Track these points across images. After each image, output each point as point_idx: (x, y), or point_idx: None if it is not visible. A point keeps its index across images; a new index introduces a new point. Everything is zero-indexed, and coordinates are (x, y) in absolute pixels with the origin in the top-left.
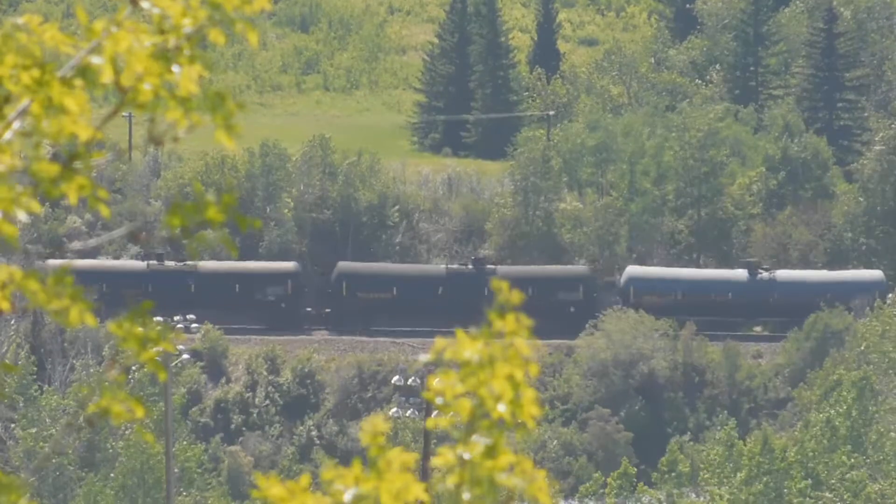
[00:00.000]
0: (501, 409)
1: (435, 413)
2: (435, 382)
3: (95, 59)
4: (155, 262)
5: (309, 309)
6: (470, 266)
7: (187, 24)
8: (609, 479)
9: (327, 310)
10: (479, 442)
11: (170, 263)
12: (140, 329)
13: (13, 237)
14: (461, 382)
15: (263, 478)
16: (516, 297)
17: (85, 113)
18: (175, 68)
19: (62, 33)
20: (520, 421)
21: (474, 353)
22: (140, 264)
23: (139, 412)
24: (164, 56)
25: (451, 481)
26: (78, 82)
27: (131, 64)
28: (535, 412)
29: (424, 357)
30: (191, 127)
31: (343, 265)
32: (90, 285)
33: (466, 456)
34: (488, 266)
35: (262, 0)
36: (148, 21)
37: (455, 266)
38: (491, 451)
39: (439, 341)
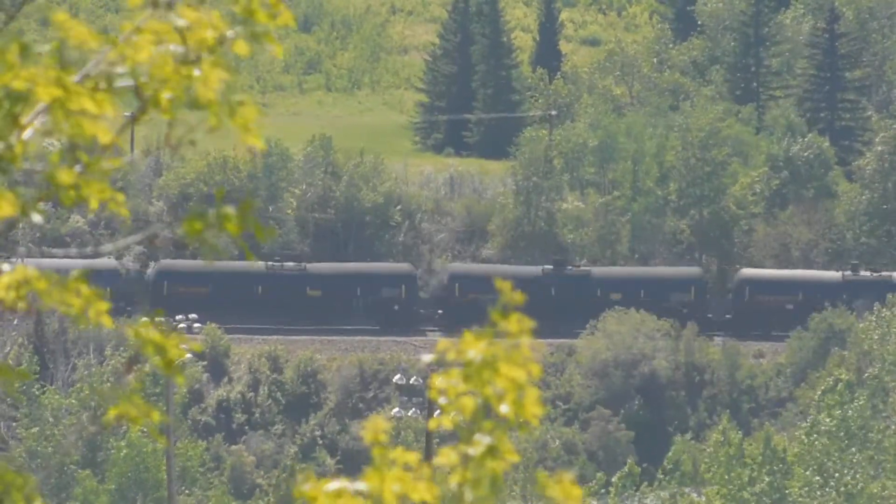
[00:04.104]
0: (504, 409)
1: (437, 413)
2: (438, 381)
3: (119, 69)
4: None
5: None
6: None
7: (210, 37)
8: (614, 479)
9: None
10: (482, 441)
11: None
12: (157, 335)
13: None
14: (464, 382)
15: (308, 477)
16: (519, 297)
17: (108, 115)
18: (196, 72)
19: (90, 31)
20: (522, 420)
21: (477, 352)
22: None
23: (155, 417)
24: (187, 63)
25: (453, 480)
26: (101, 84)
27: (153, 72)
28: (538, 411)
29: (428, 357)
30: (209, 131)
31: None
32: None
33: (472, 452)
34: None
35: (287, 15)
36: (173, 29)
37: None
38: (493, 451)
39: (442, 342)
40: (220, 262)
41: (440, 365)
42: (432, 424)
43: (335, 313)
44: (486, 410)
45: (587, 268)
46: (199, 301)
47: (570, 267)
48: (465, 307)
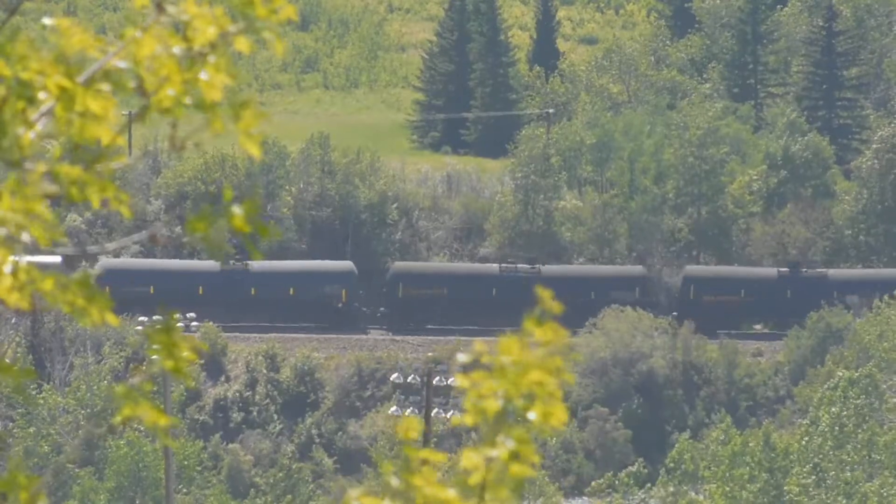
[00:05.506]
0: (532, 416)
1: (434, 412)
2: (466, 381)
3: (121, 64)
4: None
5: None
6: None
7: (212, 33)
8: (623, 477)
9: None
10: (506, 444)
11: None
12: (167, 337)
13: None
14: (494, 384)
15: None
16: (557, 306)
17: (110, 117)
18: (203, 75)
19: (91, 36)
20: (549, 426)
21: (510, 357)
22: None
23: (162, 421)
24: (190, 62)
25: (473, 480)
26: (104, 86)
27: (156, 69)
28: (564, 417)
29: (463, 357)
30: (213, 133)
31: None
32: None
33: (494, 454)
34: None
35: (289, 10)
36: (174, 27)
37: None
38: (516, 454)
39: (479, 344)
40: (455, 264)
41: (470, 366)
42: (454, 422)
43: (567, 315)
44: (510, 413)
45: (823, 270)
46: (435, 302)
47: (804, 269)
48: (700, 309)
